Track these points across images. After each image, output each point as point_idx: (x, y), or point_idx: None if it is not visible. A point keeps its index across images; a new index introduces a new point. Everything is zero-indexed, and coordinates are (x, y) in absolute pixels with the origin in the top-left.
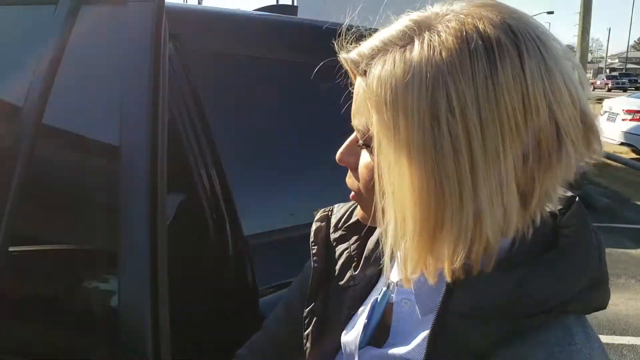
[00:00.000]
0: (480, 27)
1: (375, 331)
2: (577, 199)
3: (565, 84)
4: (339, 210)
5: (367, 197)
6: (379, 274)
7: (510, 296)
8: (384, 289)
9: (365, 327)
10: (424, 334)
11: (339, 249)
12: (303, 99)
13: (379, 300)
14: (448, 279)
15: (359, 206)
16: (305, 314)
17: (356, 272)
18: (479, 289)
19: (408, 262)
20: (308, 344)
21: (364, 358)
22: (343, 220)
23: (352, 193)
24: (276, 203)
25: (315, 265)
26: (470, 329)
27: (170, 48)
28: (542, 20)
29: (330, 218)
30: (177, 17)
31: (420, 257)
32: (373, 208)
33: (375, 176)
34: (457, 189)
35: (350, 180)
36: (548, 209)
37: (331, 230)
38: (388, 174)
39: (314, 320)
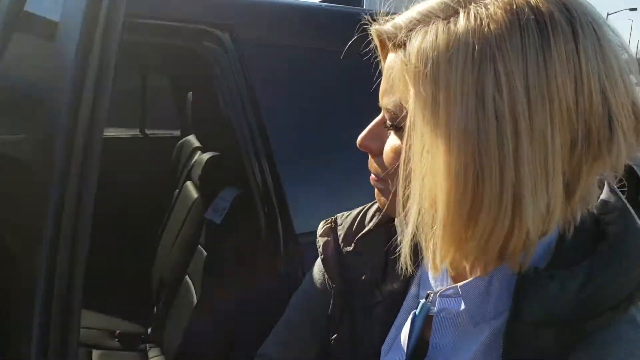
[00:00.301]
0: (531, 1)
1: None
2: (605, 182)
3: (620, 71)
4: (343, 220)
5: (392, 183)
6: (407, 284)
7: (579, 296)
8: (422, 301)
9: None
10: (477, 345)
11: (357, 263)
12: (364, 92)
13: (417, 313)
14: (479, 273)
15: (377, 193)
16: (332, 342)
17: (383, 287)
18: (549, 293)
19: (437, 252)
20: None
21: None
22: (354, 230)
23: (372, 176)
24: (335, 201)
25: (334, 285)
26: (543, 337)
27: (227, 39)
28: (624, 17)
29: (335, 230)
30: (233, 8)
31: (450, 247)
32: (396, 195)
33: (402, 158)
34: (499, 173)
35: (373, 167)
36: (588, 206)
37: (342, 245)
38: (420, 156)
39: (344, 347)
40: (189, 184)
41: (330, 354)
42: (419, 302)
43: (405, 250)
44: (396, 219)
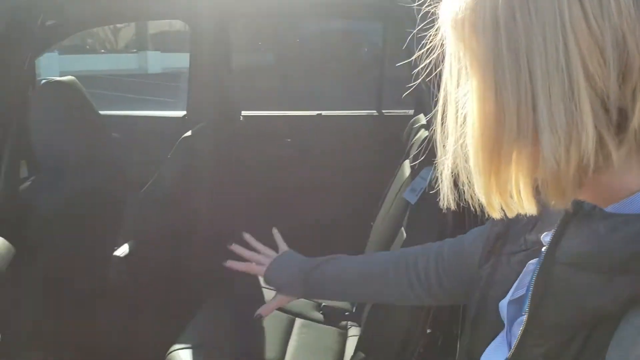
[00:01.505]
0: None
1: None
2: None
3: None
4: None
5: None
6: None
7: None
8: (543, 249)
9: (525, 294)
10: None
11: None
12: None
13: (537, 263)
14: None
15: None
16: (477, 275)
17: (529, 236)
18: (592, 232)
19: (477, 186)
20: (474, 308)
21: (515, 326)
22: None
23: None
24: None
25: (493, 225)
26: (584, 282)
27: None
28: None
29: None
30: None
31: (486, 179)
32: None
33: (440, 99)
34: (516, 99)
35: None
36: None
37: None
38: (454, 92)
39: (478, 285)
40: (406, 162)
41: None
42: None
43: (445, 184)
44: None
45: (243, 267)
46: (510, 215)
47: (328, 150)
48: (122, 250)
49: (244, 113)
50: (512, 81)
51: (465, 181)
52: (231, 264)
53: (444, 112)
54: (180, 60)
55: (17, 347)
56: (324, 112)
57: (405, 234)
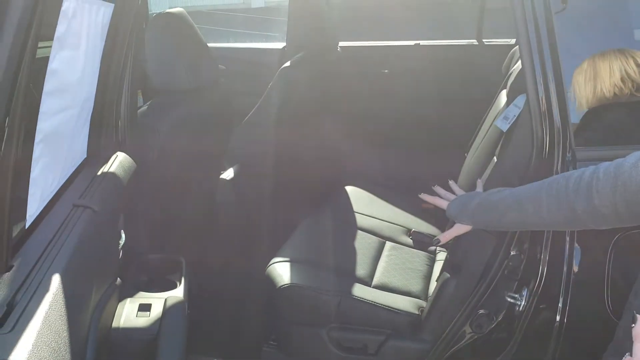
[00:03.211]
0: None
1: None
2: None
3: None
4: None
5: None
6: None
7: None
8: None
9: None
10: None
11: None
12: None
13: None
14: None
15: None
16: None
17: None
18: None
19: None
20: None
21: None
22: None
23: None
24: None
25: None
26: None
27: None
28: None
29: None
30: None
31: None
32: None
33: None
34: None
35: None
36: None
37: None
38: None
39: None
40: (503, 92)
41: None
42: None
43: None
44: None
45: (431, 199)
46: None
47: (425, 80)
48: (228, 173)
49: (341, 44)
50: None
51: None
52: (424, 196)
53: None
54: None
55: (137, 249)
56: (422, 42)
57: (495, 161)
